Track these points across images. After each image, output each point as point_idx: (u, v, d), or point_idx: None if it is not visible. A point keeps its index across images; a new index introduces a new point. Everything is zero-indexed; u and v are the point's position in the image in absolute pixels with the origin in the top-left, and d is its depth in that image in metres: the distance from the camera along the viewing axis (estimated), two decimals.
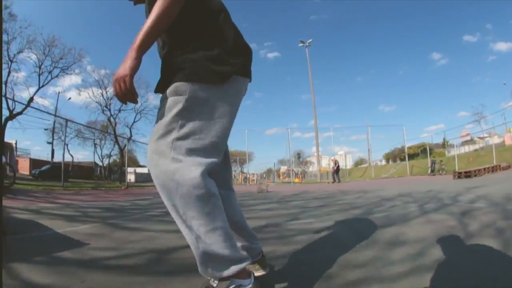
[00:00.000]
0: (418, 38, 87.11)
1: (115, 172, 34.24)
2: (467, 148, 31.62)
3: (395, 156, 43.96)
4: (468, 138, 29.74)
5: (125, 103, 0.92)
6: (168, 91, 0.91)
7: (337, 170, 16.51)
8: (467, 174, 10.20)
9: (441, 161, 16.48)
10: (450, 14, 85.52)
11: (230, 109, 0.96)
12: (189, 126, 0.88)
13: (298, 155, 46.62)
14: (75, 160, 29.30)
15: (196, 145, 0.88)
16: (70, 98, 27.78)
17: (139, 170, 38.41)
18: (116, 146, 25.00)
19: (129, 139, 22.39)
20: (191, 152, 0.88)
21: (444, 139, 38.29)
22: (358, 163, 51.42)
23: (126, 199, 6.22)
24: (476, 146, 29.10)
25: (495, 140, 28.46)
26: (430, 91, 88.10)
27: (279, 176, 32.93)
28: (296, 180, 24.79)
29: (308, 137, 69.44)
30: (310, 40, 24.10)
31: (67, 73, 19.37)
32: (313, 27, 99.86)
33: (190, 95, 0.88)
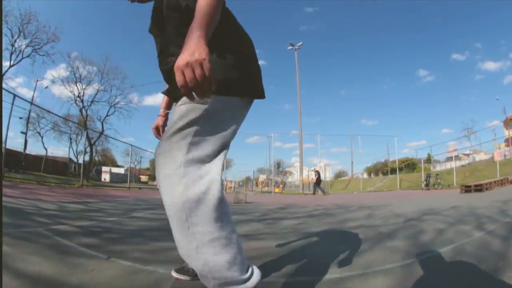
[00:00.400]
0: (405, 55, 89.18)
1: (91, 170, 32.17)
2: (452, 164, 31.27)
3: (377, 170, 43.62)
4: (456, 153, 29.41)
5: (193, 98, 0.73)
6: (185, 98, 0.86)
7: (318, 182, 15.21)
8: (478, 188, 9.19)
9: (437, 174, 15.51)
10: (439, 32, 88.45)
11: (239, 121, 0.96)
12: (203, 135, 0.86)
13: (278, 165, 45.63)
14: (50, 154, 26.71)
15: (207, 152, 0.87)
16: (47, 87, 24.97)
17: (115, 170, 36.03)
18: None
19: (100, 133, 20.14)
20: (202, 159, 0.85)
21: (429, 154, 38.33)
22: (339, 175, 50.73)
23: (56, 200, 4.58)
24: (462, 162, 28.71)
25: (482, 156, 28.28)
26: (414, 107, 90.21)
27: (257, 185, 31.59)
28: (277, 190, 23.56)
29: (289, 147, 68.97)
30: (300, 43, 23.03)
31: (39, 54, 18.05)
32: (301, 38, 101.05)
33: (209, 106, 0.86)
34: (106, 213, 3.62)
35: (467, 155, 30.95)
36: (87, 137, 19.02)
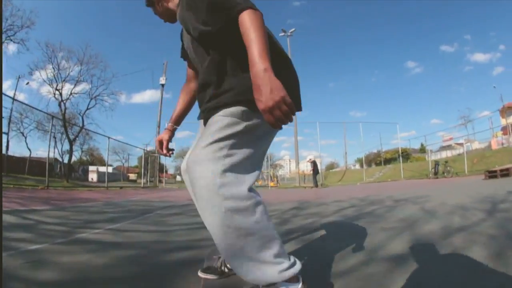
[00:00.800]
0: (394, 47, 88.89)
1: (77, 170, 30.66)
2: (447, 153, 30.84)
3: (370, 160, 42.99)
4: (451, 142, 28.90)
5: (280, 127, 0.81)
6: (226, 112, 0.89)
7: (315, 172, 13.95)
8: (505, 173, 8.63)
9: (446, 162, 14.62)
10: (428, 24, 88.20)
11: (271, 139, 1.02)
12: (239, 148, 0.88)
13: (269, 158, 48.32)
14: (35, 155, 24.79)
15: (243, 165, 0.88)
16: (28, 83, 22.77)
17: (103, 169, 34.21)
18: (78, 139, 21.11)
19: (81, 127, 18.40)
20: (238, 171, 0.86)
21: (422, 144, 37.98)
22: (330, 167, 49.71)
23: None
24: (457, 151, 28.16)
25: (476, 145, 27.84)
26: (402, 99, 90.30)
27: None
28: (272, 184, 22.57)
29: (278, 140, 68.57)
30: (293, 30, 21.58)
31: (13, 41, 16.40)
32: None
33: (250, 122, 0.89)
34: (22, 239, 2.00)
35: (460, 144, 30.46)
36: (65, 131, 17.37)
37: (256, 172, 0.90)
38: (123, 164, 41.81)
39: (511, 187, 4.80)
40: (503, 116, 28.36)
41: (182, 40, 1.15)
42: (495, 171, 8.95)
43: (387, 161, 39.10)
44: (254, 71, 0.75)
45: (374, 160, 42.64)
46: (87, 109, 18.48)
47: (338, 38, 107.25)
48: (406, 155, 36.10)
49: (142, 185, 17.76)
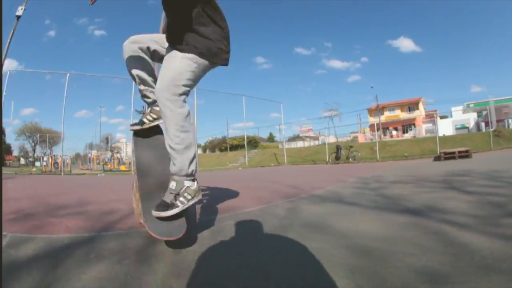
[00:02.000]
0: (244, 41, 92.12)
1: None
2: (296, 144, 33.74)
3: (214, 146, 42.28)
4: (311, 133, 31.84)
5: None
6: (186, 56, 1.29)
7: None
8: (465, 154, 9.95)
9: (351, 147, 13.90)
10: (286, 27, 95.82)
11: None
12: (190, 84, 1.33)
13: (107, 140, 45.09)
14: None
15: (187, 94, 1.36)
16: None
17: None
18: None
19: None
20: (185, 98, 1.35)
21: (271, 133, 40.88)
22: None
23: None
24: (310, 143, 31.26)
25: (332, 139, 32.06)
26: (248, 90, 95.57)
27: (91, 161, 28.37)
28: (123, 167, 21.07)
29: (115, 123, 59.21)
30: None
31: None
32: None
33: (198, 66, 1.32)
34: None
35: (310, 137, 34.53)
36: None
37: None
38: None
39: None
40: (371, 114, 34.25)
41: None
42: (454, 153, 9.95)
43: (234, 147, 39.04)
44: None
45: (219, 145, 41.94)
46: None
47: None
48: (255, 142, 37.18)
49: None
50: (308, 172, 7.43)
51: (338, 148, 13.75)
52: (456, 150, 10.19)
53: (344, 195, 2.74)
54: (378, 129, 20.31)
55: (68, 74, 12.13)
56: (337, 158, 13.27)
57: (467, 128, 26.35)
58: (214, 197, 2.93)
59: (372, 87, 53.30)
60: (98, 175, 12.36)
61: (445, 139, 14.16)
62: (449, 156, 9.97)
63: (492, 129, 15.89)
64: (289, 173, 7.41)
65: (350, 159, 12.99)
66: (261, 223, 1.64)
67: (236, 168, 16.69)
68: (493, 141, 13.77)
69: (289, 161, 17.74)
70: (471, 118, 27.21)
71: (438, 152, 11.46)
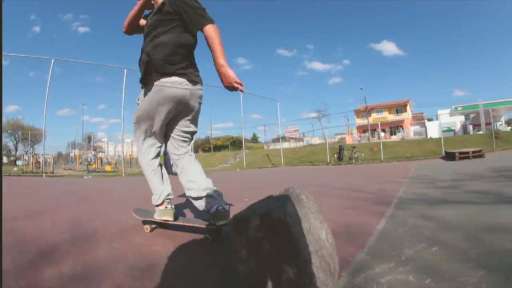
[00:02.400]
0: (227, 41, 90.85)
1: None
2: (282, 145, 33.36)
3: (197, 147, 41.52)
4: (296, 134, 31.49)
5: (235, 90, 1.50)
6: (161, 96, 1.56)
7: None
8: (478, 154, 10.22)
9: (353, 147, 13.34)
10: (269, 28, 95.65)
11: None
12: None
13: (89, 139, 44.00)
14: None
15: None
16: None
17: None
18: None
19: None
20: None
21: (254, 134, 40.37)
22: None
23: None
24: (297, 144, 31.00)
25: (316, 141, 31.81)
26: (228, 92, 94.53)
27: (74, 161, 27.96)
28: (108, 168, 20.72)
29: (96, 122, 56.99)
30: None
31: None
32: None
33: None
34: None
35: (294, 138, 34.22)
36: None
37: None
38: None
39: None
40: (358, 116, 34.21)
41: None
42: (468, 153, 10.10)
43: (218, 148, 38.29)
44: (218, 66, 1.46)
45: (202, 146, 41.20)
46: None
47: None
48: (239, 143, 36.60)
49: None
50: (327, 174, 6.75)
51: (340, 148, 13.19)
52: (470, 150, 10.30)
53: (438, 195, 2.41)
54: (375, 130, 20.09)
55: (52, 60, 11.58)
56: (340, 159, 12.77)
57: (453, 130, 26.88)
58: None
59: (361, 88, 53.53)
60: (85, 177, 11.22)
61: (445, 140, 14.10)
62: (464, 156, 10.14)
63: (493, 130, 16.16)
64: (308, 176, 6.69)
65: (353, 160, 12.49)
66: None
67: (228, 169, 15.87)
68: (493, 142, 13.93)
69: (284, 162, 17.13)
70: (457, 121, 27.81)
71: (443, 153, 11.27)
